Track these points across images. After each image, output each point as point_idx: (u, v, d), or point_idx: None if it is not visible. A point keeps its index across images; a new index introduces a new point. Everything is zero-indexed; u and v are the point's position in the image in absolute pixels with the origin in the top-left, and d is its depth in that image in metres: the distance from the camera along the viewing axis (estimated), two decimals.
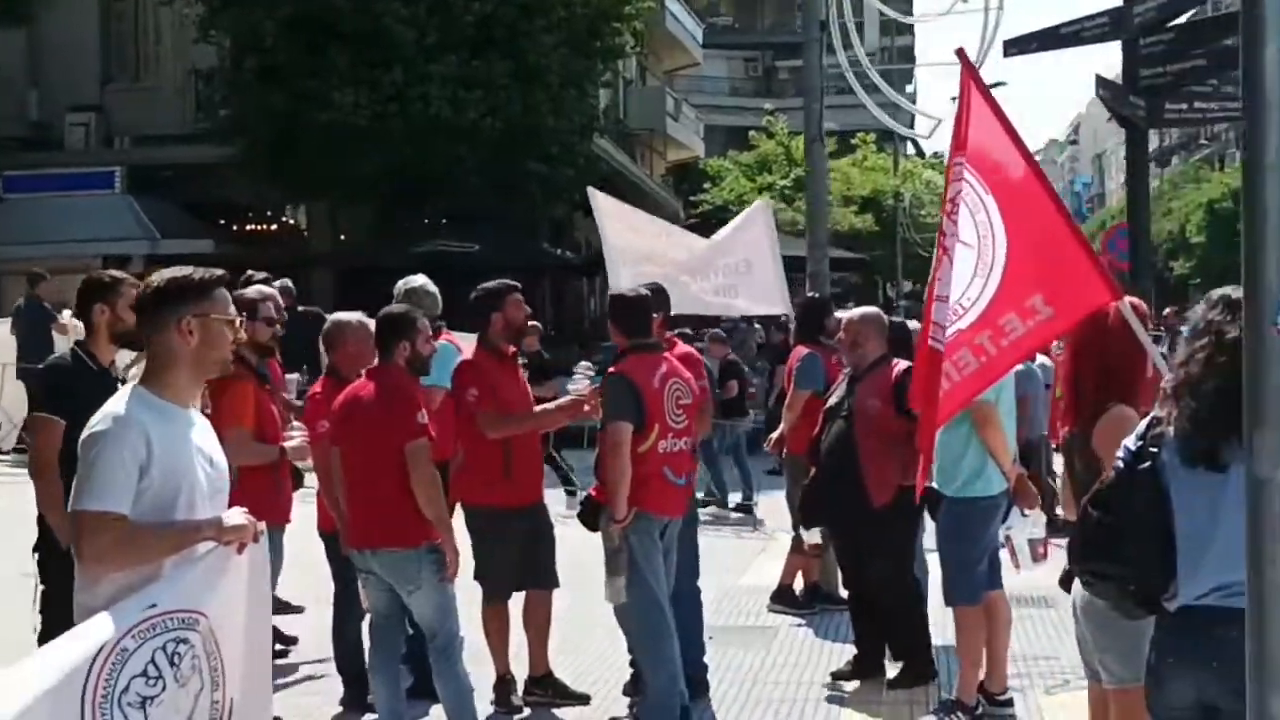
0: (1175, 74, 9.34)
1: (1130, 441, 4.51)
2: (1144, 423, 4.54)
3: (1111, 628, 5.09)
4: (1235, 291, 4.53)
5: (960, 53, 5.58)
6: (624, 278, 10.15)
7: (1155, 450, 4.35)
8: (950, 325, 5.57)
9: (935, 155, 64.63)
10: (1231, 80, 10.29)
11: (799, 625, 9.86)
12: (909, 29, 59.03)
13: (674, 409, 6.87)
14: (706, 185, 42.56)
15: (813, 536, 9.28)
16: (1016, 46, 10.26)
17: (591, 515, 6.93)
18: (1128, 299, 5.38)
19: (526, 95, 24.90)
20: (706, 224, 32.52)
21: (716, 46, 55.74)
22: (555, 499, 8.36)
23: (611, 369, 6.99)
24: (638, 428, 6.71)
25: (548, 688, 7.94)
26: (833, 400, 8.54)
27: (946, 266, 5.67)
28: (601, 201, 10.37)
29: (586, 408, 7.59)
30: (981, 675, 7.63)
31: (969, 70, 5.55)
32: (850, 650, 8.63)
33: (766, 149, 43.73)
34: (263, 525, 4.27)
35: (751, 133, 45.42)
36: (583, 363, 8.27)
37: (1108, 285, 5.28)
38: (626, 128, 38.57)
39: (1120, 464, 4.44)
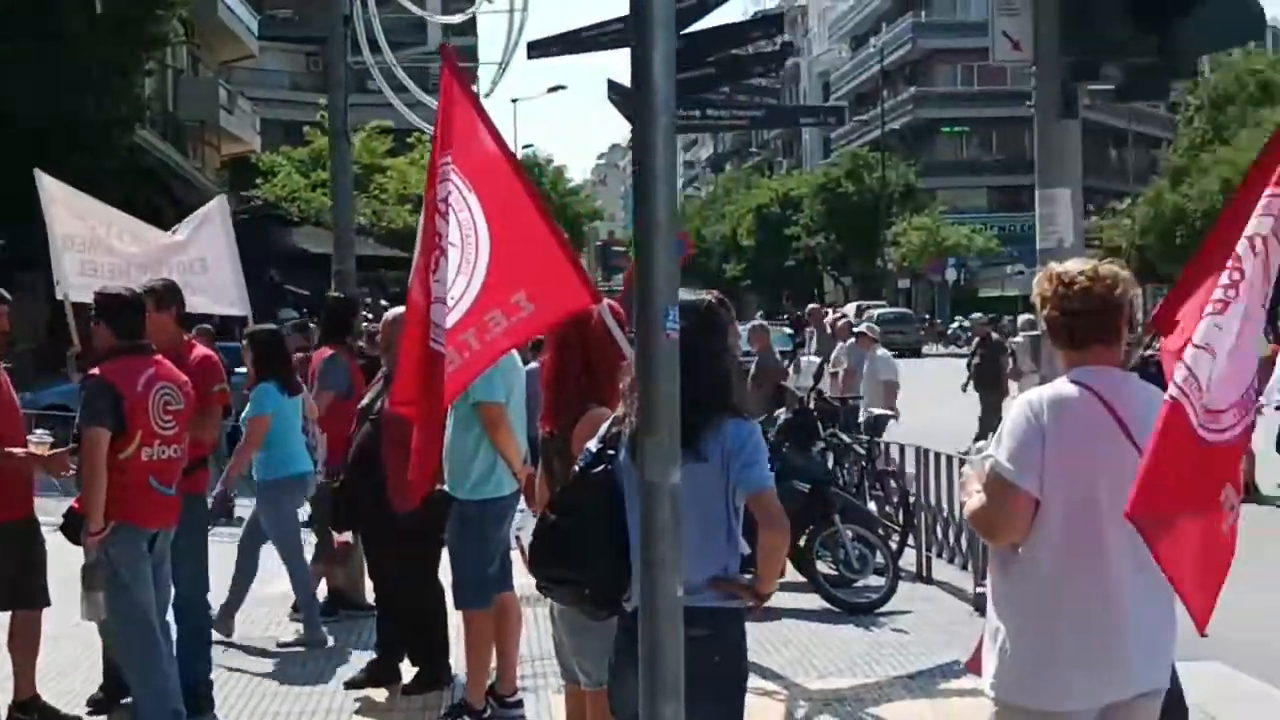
0: (686, 81, 9.53)
1: (593, 443, 4.53)
2: (606, 424, 4.57)
3: (585, 631, 5.11)
4: (685, 293, 4.62)
5: (443, 50, 5.48)
6: (68, 267, 9.65)
7: (612, 452, 4.38)
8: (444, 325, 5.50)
9: None
10: (742, 89, 10.63)
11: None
12: (472, 28, 59.14)
13: (161, 414, 6.52)
14: (259, 181, 41.49)
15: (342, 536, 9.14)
16: (539, 49, 10.26)
17: (74, 527, 6.50)
18: (607, 301, 5.44)
19: (63, 83, 23.57)
20: (256, 220, 31.73)
21: (276, 39, 54.48)
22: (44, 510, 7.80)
23: (93, 371, 6.58)
24: (117, 433, 6.34)
25: (34, 712, 7.44)
26: (365, 400, 8.39)
27: (444, 268, 5.59)
28: (48, 184, 9.83)
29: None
30: (492, 677, 7.63)
31: (451, 69, 5.47)
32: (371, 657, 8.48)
33: (320, 145, 42.91)
34: None
35: (306, 128, 44.56)
36: (39, 430, 7.72)
37: (586, 288, 5.32)
38: (177, 119, 37.14)
39: (579, 466, 4.46)
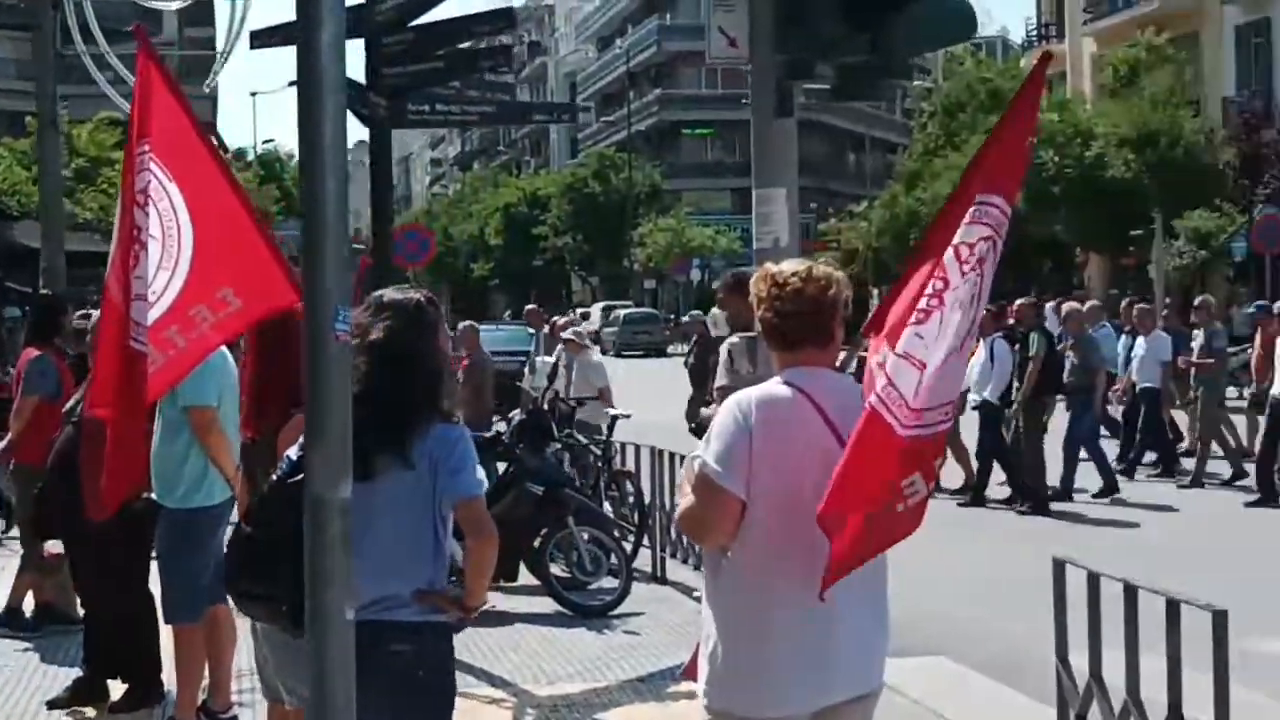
0: (415, 75, 9.38)
1: (293, 451, 4.32)
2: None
3: (287, 648, 4.86)
4: (393, 292, 4.44)
5: (137, 30, 5.18)
6: None
7: None
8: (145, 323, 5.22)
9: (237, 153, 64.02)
10: (472, 84, 10.48)
11: (26, 649, 9.11)
12: (209, 19, 57.54)
13: None
14: None
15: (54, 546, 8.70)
16: (260, 40, 9.95)
17: None
18: None
19: None
20: None
21: (4, 27, 52.09)
22: None
23: None
24: None
25: None
26: (70, 403, 7.99)
27: (144, 262, 5.30)
28: None
29: None
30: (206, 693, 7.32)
31: (146, 52, 5.18)
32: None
33: None
34: None
35: (29, 118, 42.67)
36: None
37: (291, 284, 5.09)
38: None
39: (277, 475, 4.24)
